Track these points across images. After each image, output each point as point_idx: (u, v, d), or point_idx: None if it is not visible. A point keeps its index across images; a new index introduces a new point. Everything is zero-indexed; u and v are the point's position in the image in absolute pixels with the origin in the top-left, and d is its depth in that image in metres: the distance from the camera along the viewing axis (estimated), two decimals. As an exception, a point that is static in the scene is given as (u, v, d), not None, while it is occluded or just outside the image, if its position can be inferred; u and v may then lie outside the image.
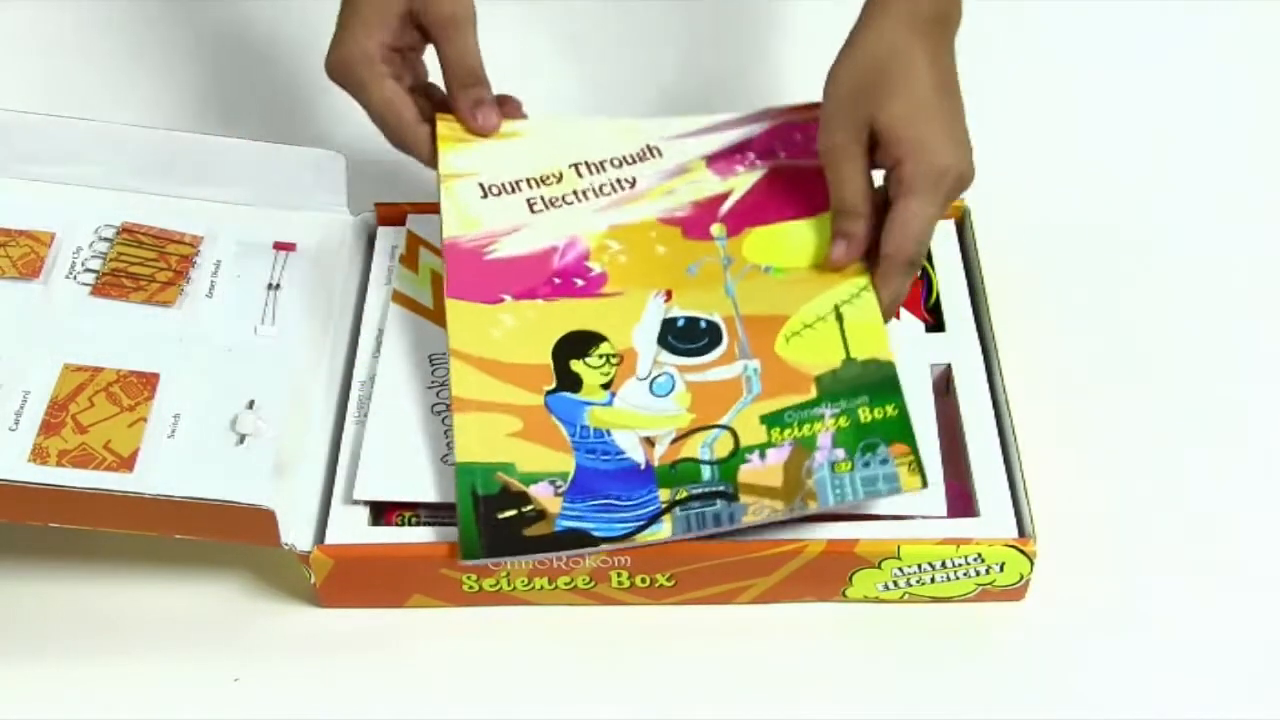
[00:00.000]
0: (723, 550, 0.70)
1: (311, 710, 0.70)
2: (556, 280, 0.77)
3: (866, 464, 0.70)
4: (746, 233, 0.78)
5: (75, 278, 0.79)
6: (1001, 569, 0.71)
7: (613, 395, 0.73)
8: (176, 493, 0.69)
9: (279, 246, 0.83)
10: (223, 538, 0.70)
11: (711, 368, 0.74)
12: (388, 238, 0.84)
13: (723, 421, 0.72)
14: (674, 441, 0.72)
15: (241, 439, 0.74)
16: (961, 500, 0.73)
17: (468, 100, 0.79)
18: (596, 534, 0.69)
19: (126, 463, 0.72)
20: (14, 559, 0.75)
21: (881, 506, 0.71)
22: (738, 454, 0.71)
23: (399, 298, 0.80)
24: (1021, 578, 0.71)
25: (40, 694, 0.71)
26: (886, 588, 0.72)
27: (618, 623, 0.73)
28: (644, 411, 0.73)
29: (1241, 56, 1.01)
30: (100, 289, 0.79)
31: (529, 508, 0.70)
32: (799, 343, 0.74)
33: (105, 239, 0.81)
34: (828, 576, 0.72)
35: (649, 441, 0.72)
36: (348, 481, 0.73)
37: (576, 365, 0.74)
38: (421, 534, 0.72)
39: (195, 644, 0.72)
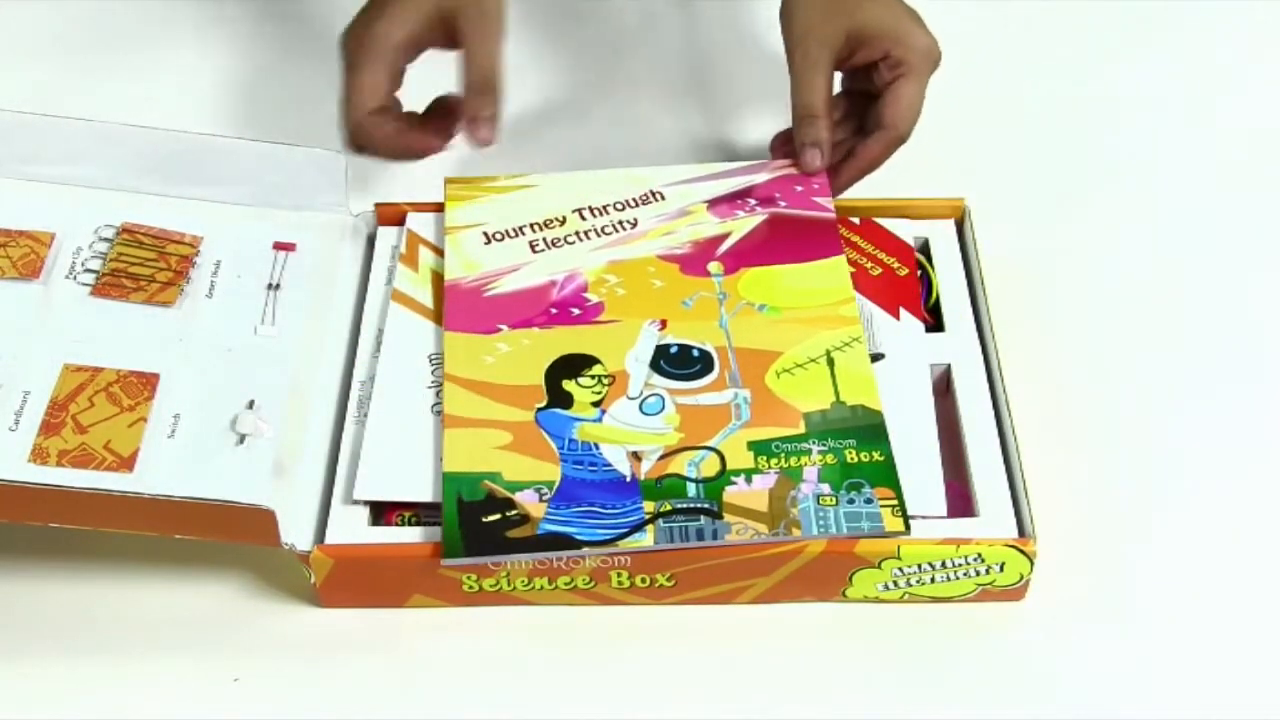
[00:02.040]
0: (723, 550, 0.70)
1: (311, 710, 0.70)
2: (553, 310, 0.78)
3: (851, 501, 0.70)
4: (742, 272, 0.79)
5: (75, 278, 0.79)
6: (1001, 569, 0.71)
7: (603, 412, 0.74)
8: (176, 493, 0.69)
9: (279, 246, 0.83)
10: (223, 538, 0.70)
11: (702, 393, 0.75)
12: (388, 238, 0.84)
13: (711, 444, 0.73)
14: (661, 458, 0.72)
15: (241, 439, 0.74)
16: (961, 500, 0.73)
17: (474, 108, 0.80)
18: (579, 538, 0.69)
19: (126, 463, 0.72)
20: (14, 559, 0.75)
21: None
22: (724, 476, 0.71)
23: (399, 297, 0.80)
24: (1021, 578, 0.71)
25: (40, 694, 0.71)
26: (886, 588, 0.72)
27: (618, 623, 0.73)
28: (633, 429, 0.73)
29: (1244, 54, 1.01)
30: (100, 289, 0.79)
31: (513, 512, 0.70)
32: (789, 380, 0.75)
33: (105, 239, 0.81)
34: (828, 576, 0.72)
35: (636, 456, 0.72)
36: (348, 481, 0.73)
37: (568, 385, 0.75)
38: (422, 534, 0.72)
39: (195, 644, 0.72)
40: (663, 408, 0.74)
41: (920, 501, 0.71)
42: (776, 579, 0.72)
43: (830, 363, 0.75)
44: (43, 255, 0.80)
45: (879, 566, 0.71)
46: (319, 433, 0.75)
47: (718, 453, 0.72)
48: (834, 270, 0.79)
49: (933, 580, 0.71)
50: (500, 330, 0.77)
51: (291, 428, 0.75)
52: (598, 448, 0.73)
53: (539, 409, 0.74)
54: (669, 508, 0.70)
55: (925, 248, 0.83)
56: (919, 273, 0.81)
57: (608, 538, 0.70)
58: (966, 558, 0.70)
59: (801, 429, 0.73)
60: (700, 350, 0.76)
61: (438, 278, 0.81)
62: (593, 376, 0.75)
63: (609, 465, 0.72)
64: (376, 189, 0.85)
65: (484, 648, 0.72)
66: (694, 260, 0.80)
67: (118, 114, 0.83)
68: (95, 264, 0.80)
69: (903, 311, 0.79)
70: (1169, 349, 0.83)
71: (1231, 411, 0.80)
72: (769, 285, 0.79)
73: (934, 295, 0.81)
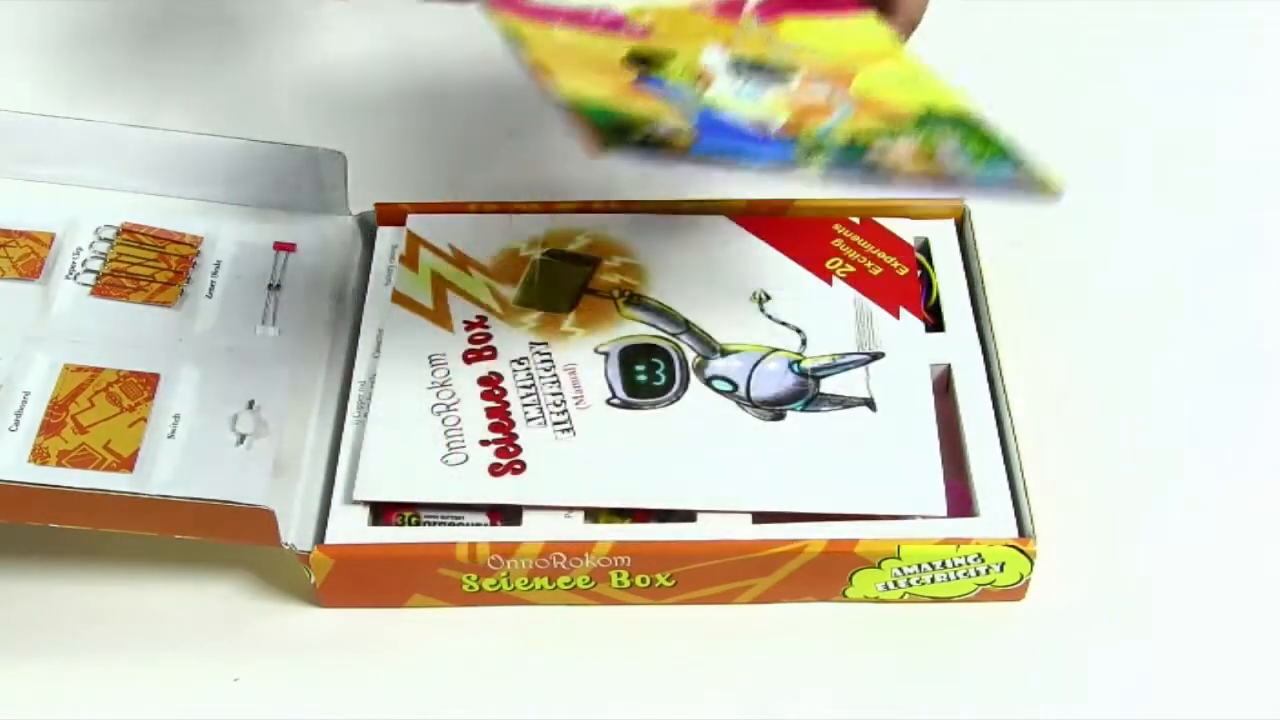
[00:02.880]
0: (723, 550, 0.70)
1: (311, 710, 0.70)
2: (602, 25, 0.68)
3: (998, 166, 0.65)
4: (782, 19, 0.72)
5: (75, 278, 0.79)
6: (1001, 569, 0.71)
7: (704, 89, 0.65)
8: (176, 493, 0.69)
9: (279, 246, 0.83)
10: (223, 538, 0.70)
11: (797, 88, 0.67)
12: (388, 238, 0.84)
13: (829, 121, 0.65)
14: (785, 126, 0.64)
15: (241, 439, 0.74)
16: (961, 500, 0.73)
17: None
18: (741, 158, 0.60)
19: (126, 463, 0.72)
20: (14, 559, 0.75)
21: (881, 505, 0.71)
22: (859, 141, 0.63)
23: (399, 298, 0.80)
24: (1021, 578, 0.71)
25: (40, 694, 0.71)
26: (886, 588, 0.72)
27: (618, 623, 0.73)
28: (746, 100, 0.65)
29: (1245, 54, 1.01)
30: (100, 289, 0.79)
31: (661, 132, 0.59)
32: (877, 87, 0.67)
33: (105, 239, 0.81)
34: (828, 576, 0.72)
35: (760, 123, 0.63)
36: (348, 481, 0.73)
37: (656, 71, 0.65)
38: (421, 534, 0.72)
39: (195, 644, 0.72)
40: (764, 93, 0.65)
41: (920, 501, 0.71)
42: (776, 579, 0.72)
43: (911, 79, 0.68)
44: (43, 255, 0.80)
45: (879, 566, 0.71)
46: (319, 433, 0.75)
47: (844, 127, 0.64)
48: (870, 28, 0.73)
49: (933, 580, 0.71)
50: (555, 25, 0.66)
51: (291, 428, 0.75)
52: (717, 109, 0.63)
53: (635, 79, 0.63)
54: (822, 152, 0.61)
55: (925, 248, 0.83)
56: (919, 273, 0.81)
57: (770, 162, 0.61)
58: (966, 558, 0.70)
59: (913, 123, 0.65)
60: (773, 65, 0.68)
61: (438, 278, 0.81)
62: (679, 68, 0.65)
63: (738, 123, 0.62)
64: (376, 189, 0.85)
65: (484, 648, 0.72)
66: (728, 9, 0.71)
67: (118, 114, 0.83)
68: (95, 264, 0.80)
69: (903, 311, 0.79)
70: (1169, 348, 0.83)
71: (1232, 411, 0.80)
72: (815, 34, 0.71)
73: (934, 295, 0.81)
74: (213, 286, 0.80)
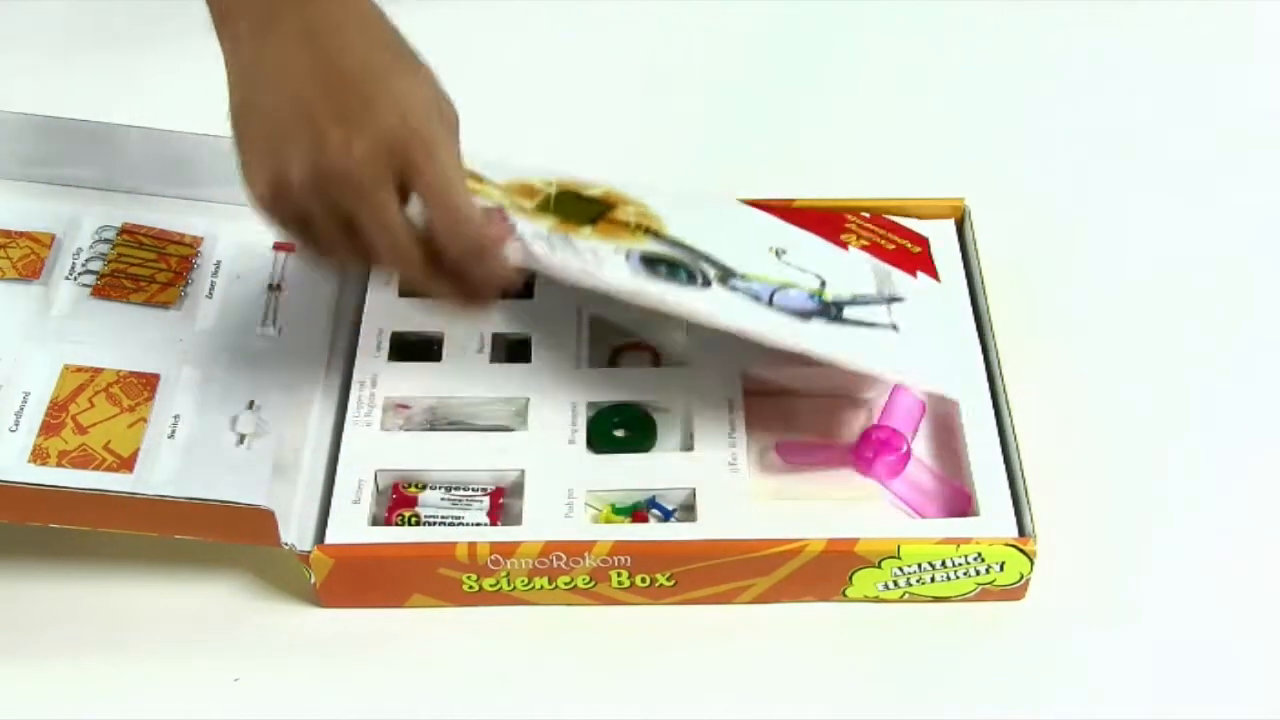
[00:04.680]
0: (723, 550, 0.70)
1: (311, 710, 0.70)
2: None
3: None
4: None
5: (76, 279, 0.79)
6: (1001, 569, 0.71)
7: None
8: (176, 493, 0.69)
9: (279, 247, 0.82)
10: (223, 538, 0.70)
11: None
12: (388, 237, 0.84)
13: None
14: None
15: (241, 439, 0.74)
16: (961, 500, 0.73)
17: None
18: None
19: (126, 463, 0.72)
20: (14, 559, 0.75)
21: (894, 372, 0.74)
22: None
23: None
24: (1021, 577, 0.71)
25: (40, 694, 0.71)
26: (886, 587, 0.72)
27: (618, 623, 0.73)
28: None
29: (1246, 53, 1.01)
30: (100, 290, 0.79)
31: None
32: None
33: (106, 240, 0.81)
34: (828, 576, 0.72)
35: None
36: (348, 482, 0.73)
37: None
38: (421, 534, 0.72)
39: (195, 644, 0.72)
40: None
41: (936, 378, 0.74)
42: (776, 579, 0.71)
43: None
44: (43, 256, 0.80)
45: (879, 566, 0.71)
46: (319, 433, 0.75)
47: None
48: None
49: (933, 580, 0.71)
50: None
51: (291, 428, 0.75)
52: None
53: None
54: None
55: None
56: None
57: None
58: (966, 557, 0.70)
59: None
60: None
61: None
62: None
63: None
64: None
65: (484, 648, 0.72)
66: None
67: (118, 114, 0.83)
68: (96, 264, 0.80)
69: (920, 274, 0.79)
70: (1169, 348, 0.83)
71: (1232, 410, 0.80)
72: None
73: (934, 292, 0.81)
74: (213, 286, 0.80)
